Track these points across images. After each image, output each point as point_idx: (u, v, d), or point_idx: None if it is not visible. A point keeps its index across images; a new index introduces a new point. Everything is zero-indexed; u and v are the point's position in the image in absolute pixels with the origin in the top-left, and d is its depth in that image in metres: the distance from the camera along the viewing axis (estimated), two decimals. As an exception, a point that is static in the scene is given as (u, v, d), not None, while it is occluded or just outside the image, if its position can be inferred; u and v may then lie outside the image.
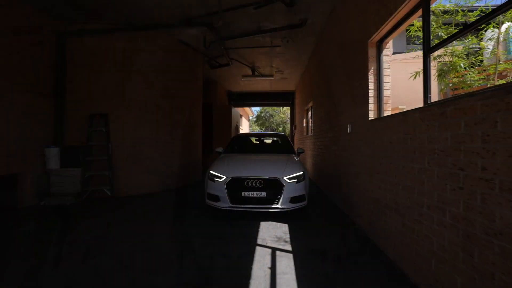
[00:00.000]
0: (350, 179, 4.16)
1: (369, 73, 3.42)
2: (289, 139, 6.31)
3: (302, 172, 4.29)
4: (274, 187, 4.01)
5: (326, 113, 5.99)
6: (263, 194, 3.97)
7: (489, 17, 1.73)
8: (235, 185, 4.03)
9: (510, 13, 3.15)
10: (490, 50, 3.72)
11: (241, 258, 2.79)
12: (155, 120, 6.42)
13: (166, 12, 5.42)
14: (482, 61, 4.00)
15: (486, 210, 1.53)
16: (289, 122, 32.22)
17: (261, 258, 2.78)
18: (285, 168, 4.26)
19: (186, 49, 7.27)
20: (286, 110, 32.69)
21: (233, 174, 4.11)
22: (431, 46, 2.32)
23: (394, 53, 8.36)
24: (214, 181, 4.22)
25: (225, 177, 4.10)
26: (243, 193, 3.99)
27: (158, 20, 5.76)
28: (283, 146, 5.94)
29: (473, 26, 1.86)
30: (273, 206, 3.96)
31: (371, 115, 3.39)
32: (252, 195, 3.98)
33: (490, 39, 3.69)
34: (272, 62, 8.82)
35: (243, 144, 6.21)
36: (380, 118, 3.15)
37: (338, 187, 4.93)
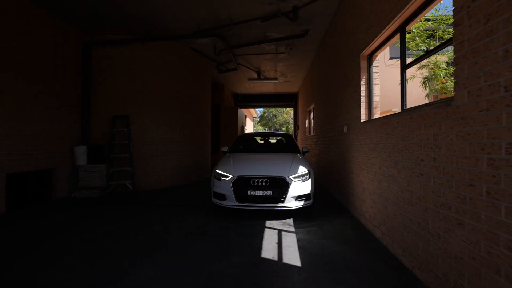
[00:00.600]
0: (346, 174, 4.74)
1: (361, 82, 3.99)
2: (294, 139, 6.23)
3: (307, 171, 4.34)
4: (279, 186, 4.04)
5: (326, 115, 6.57)
6: (269, 192, 4.00)
7: (443, 45, 2.30)
8: (241, 184, 4.07)
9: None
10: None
11: (253, 236, 3.39)
12: (169, 121, 7.05)
13: (181, 24, 6.04)
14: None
15: (436, 189, 2.10)
16: (292, 122, 32.77)
17: (269, 237, 3.38)
18: (290, 167, 4.31)
19: (197, 56, 7.90)
20: (289, 110, 33.25)
21: (239, 173, 4.15)
22: (407, 63, 2.89)
23: (392, 58, 8.92)
24: (220, 180, 4.26)
25: (231, 176, 4.15)
26: (249, 192, 4.01)
27: (174, 32, 6.38)
28: (288, 146, 5.92)
29: (433, 52, 2.43)
30: (279, 204, 4.02)
31: (363, 118, 3.97)
32: (258, 194, 4.01)
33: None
34: (276, 66, 9.41)
35: (248, 144, 6.17)
36: (370, 121, 3.72)
37: (337, 182, 5.51)
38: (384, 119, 3.10)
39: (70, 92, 6.01)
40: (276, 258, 2.78)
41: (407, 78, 3.08)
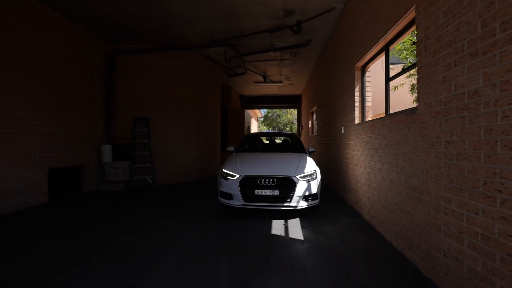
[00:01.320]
0: (344, 169, 5.39)
1: (355, 89, 4.65)
2: (300, 139, 6.25)
3: (314, 171, 4.37)
4: (286, 185, 4.06)
5: (327, 117, 7.22)
6: (276, 192, 4.03)
7: (412, 67, 2.95)
8: (248, 183, 4.09)
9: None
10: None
11: (264, 219, 4.07)
12: (184, 122, 7.76)
13: (196, 35, 6.74)
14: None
15: (406, 176, 2.75)
16: (295, 122, 33.37)
17: (277, 220, 4.06)
18: (297, 166, 4.34)
19: (209, 62, 8.60)
20: (293, 111, 33.83)
21: (246, 172, 4.17)
22: (390, 76, 3.55)
23: (391, 63, 9.50)
24: (227, 179, 4.27)
25: (238, 176, 4.17)
26: (256, 191, 4.04)
27: (190, 42, 7.09)
28: (294, 146, 5.90)
29: (407, 70, 3.08)
30: (286, 204, 4.04)
31: (357, 121, 4.62)
32: (265, 193, 4.03)
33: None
34: (281, 71, 10.07)
35: (254, 143, 6.19)
36: (362, 123, 4.37)
37: (336, 178, 6.16)
38: (372, 122, 3.76)
39: (97, 96, 6.74)
40: (283, 235, 3.45)
41: (398, 85, 3.73)
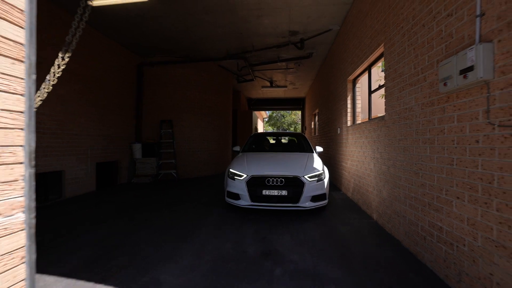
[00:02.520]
0: (339, 164, 6.44)
1: (347, 98, 5.70)
2: (307, 139, 6.21)
3: (322, 171, 4.34)
4: (295, 186, 4.04)
5: (327, 119, 8.27)
6: (284, 192, 4.01)
7: (384, 86, 4.00)
8: (256, 183, 4.09)
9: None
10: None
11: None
12: (202, 124, 8.88)
13: (215, 51, 7.85)
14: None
15: (379, 165, 3.81)
16: (299, 122, 34.32)
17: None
18: (305, 166, 4.31)
19: (223, 71, 9.72)
20: (297, 111, 34.78)
21: (253, 172, 4.17)
22: (372, 90, 4.60)
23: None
24: (234, 179, 4.28)
25: (245, 175, 4.17)
26: (264, 191, 4.03)
27: (208, 55, 8.21)
28: (301, 145, 5.87)
29: (381, 87, 4.13)
30: (294, 204, 4.04)
31: (349, 123, 5.67)
32: (273, 193, 4.03)
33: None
34: (286, 77, 11.14)
35: (261, 143, 6.16)
36: (353, 125, 5.42)
37: (334, 172, 7.21)
38: (358, 125, 4.82)
39: (129, 102, 7.90)
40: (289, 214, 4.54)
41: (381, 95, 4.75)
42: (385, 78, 3.56)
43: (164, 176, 8.24)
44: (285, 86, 12.36)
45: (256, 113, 20.49)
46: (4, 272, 0.97)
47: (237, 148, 5.59)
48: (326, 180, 4.33)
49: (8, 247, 0.99)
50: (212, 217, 4.14)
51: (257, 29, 6.37)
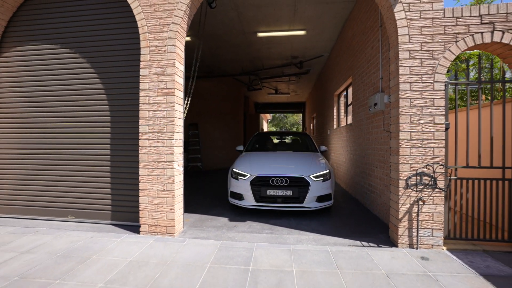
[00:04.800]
0: (330, 157, 8.47)
1: (334, 108, 7.73)
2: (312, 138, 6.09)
3: (328, 171, 4.25)
4: (300, 186, 3.96)
5: (321, 122, 10.31)
6: (289, 192, 3.92)
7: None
8: (260, 184, 4.01)
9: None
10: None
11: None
12: (221, 127, 10.97)
13: (232, 69, 9.93)
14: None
15: (350, 155, 5.83)
16: (301, 123, 36.32)
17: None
18: (310, 166, 4.25)
19: (237, 82, 11.81)
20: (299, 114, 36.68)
21: (258, 172, 4.09)
22: (348, 104, 6.63)
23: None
24: (237, 179, 4.20)
25: (249, 175, 4.09)
26: (268, 192, 3.95)
27: (227, 72, 10.30)
28: (305, 145, 5.80)
29: (350, 105, 6.17)
30: (299, 205, 3.95)
31: (334, 126, 7.70)
32: (277, 194, 3.94)
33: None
34: (289, 87, 13.20)
35: (264, 143, 6.10)
36: (337, 128, 7.44)
37: (326, 163, 9.26)
38: (339, 128, 6.85)
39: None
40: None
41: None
42: (352, 99, 5.59)
43: (192, 168, 10.33)
44: (288, 93, 14.40)
45: (261, 115, 22.51)
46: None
47: (240, 148, 5.54)
48: (331, 180, 4.26)
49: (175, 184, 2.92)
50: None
51: (266, 55, 8.43)
